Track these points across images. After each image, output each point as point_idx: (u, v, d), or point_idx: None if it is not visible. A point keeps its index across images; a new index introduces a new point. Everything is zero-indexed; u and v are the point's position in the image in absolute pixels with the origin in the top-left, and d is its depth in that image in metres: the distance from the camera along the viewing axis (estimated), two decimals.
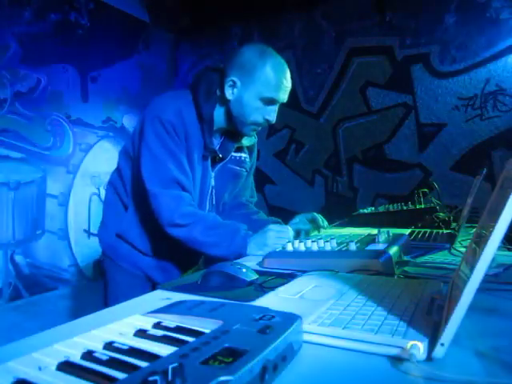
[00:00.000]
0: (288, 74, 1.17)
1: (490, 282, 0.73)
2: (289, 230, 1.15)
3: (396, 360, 0.44)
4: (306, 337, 0.49)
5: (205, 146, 1.19)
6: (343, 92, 3.24)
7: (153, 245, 1.25)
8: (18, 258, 2.68)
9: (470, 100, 2.79)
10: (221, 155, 1.24)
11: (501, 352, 0.46)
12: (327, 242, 0.96)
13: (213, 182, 1.27)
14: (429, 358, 0.44)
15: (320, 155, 3.35)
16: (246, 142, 1.32)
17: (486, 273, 0.41)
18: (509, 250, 1.10)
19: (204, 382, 0.31)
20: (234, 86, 1.15)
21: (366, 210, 1.74)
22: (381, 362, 0.44)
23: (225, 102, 1.18)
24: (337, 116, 3.27)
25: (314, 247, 0.97)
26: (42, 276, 2.84)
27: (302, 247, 0.97)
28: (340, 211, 2.94)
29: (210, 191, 1.27)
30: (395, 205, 1.73)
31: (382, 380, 0.42)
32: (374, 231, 1.11)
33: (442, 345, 0.43)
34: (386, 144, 3.10)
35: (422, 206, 1.60)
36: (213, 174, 1.26)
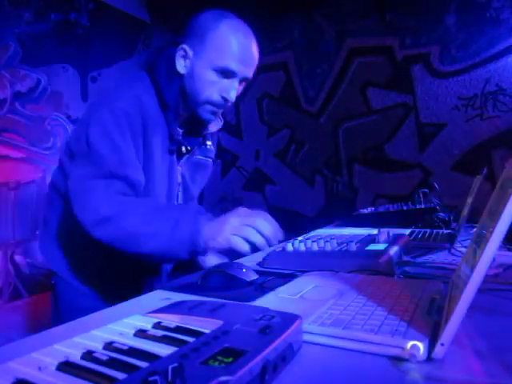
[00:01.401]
0: (250, 40, 0.95)
1: (490, 281, 0.73)
2: (268, 221, 0.82)
3: (396, 360, 0.44)
4: (306, 337, 0.49)
5: (170, 138, 1.00)
6: (343, 92, 3.24)
7: (112, 260, 1.02)
8: (18, 258, 2.68)
9: (470, 100, 2.79)
10: (189, 147, 1.06)
11: (501, 352, 0.46)
12: (327, 242, 0.96)
13: (179, 179, 1.08)
14: (429, 358, 0.44)
15: (320, 155, 3.35)
16: (211, 127, 1.13)
17: (485, 273, 0.41)
18: (509, 249, 1.10)
19: (204, 382, 0.31)
20: (185, 56, 0.95)
21: (366, 210, 1.74)
22: (381, 362, 0.44)
23: (179, 78, 0.97)
24: (337, 116, 3.27)
25: (314, 247, 0.97)
26: (42, 276, 2.84)
27: (302, 247, 0.97)
28: (340, 211, 2.94)
29: (177, 189, 1.08)
30: (395, 205, 1.73)
31: (382, 380, 0.42)
32: (374, 231, 1.11)
33: (442, 345, 0.43)
34: (386, 144, 3.10)
35: (422, 206, 1.60)
36: (179, 169, 1.07)
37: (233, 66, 0.93)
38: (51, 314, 1.10)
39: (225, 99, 0.97)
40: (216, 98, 0.97)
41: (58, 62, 2.97)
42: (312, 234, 1.33)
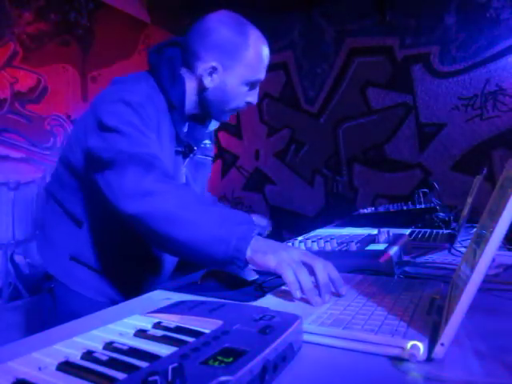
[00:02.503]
0: (267, 48, 1.01)
1: (490, 281, 0.73)
2: (329, 271, 0.66)
3: (396, 360, 0.44)
4: (306, 337, 0.49)
5: (176, 139, 1.01)
6: (343, 92, 3.24)
7: (114, 262, 1.04)
8: (18, 258, 2.68)
9: (470, 100, 2.80)
10: (195, 147, 1.06)
11: (501, 352, 0.46)
12: (327, 242, 0.96)
13: (184, 180, 1.07)
14: (429, 358, 0.44)
15: (320, 155, 3.35)
16: (211, 126, 1.14)
17: (486, 273, 0.41)
18: (509, 249, 1.10)
19: (204, 382, 0.31)
20: (214, 71, 0.98)
21: (366, 210, 1.74)
22: (381, 362, 0.44)
23: (200, 88, 1.00)
24: (337, 116, 3.27)
25: (314, 247, 0.97)
26: (42, 276, 2.84)
27: (302, 247, 0.97)
28: (340, 211, 2.95)
29: None
30: (395, 205, 1.73)
31: (381, 380, 0.42)
32: (374, 231, 1.11)
33: (442, 345, 0.43)
34: (386, 144, 3.10)
35: (422, 206, 1.60)
36: (184, 170, 1.07)
37: (261, 77, 1.02)
38: (46, 317, 1.08)
39: (249, 104, 1.05)
40: (242, 104, 1.04)
41: (58, 61, 2.97)
42: (312, 234, 1.33)
